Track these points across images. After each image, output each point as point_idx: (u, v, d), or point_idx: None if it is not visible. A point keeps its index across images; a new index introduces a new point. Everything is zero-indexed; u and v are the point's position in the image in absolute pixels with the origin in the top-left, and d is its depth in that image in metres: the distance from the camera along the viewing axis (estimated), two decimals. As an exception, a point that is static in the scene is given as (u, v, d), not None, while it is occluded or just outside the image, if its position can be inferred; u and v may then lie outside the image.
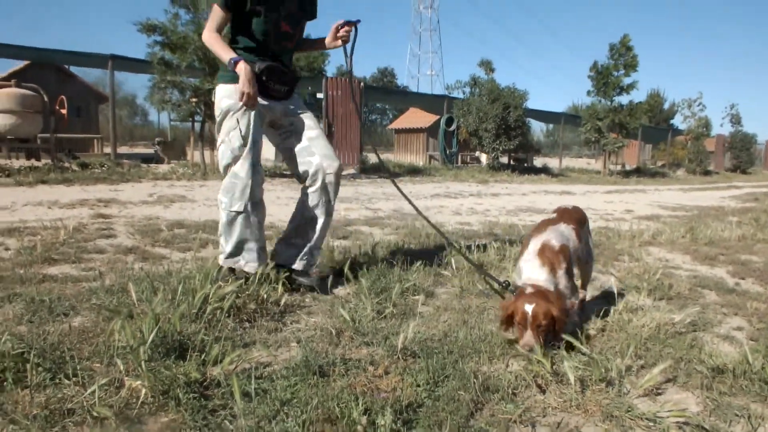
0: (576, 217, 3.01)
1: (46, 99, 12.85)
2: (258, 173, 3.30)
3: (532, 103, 23.08)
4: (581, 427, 1.93)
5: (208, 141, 14.26)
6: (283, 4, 3.29)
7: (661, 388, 2.27)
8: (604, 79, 22.34)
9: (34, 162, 12.54)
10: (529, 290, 2.53)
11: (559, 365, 2.27)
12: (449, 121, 22.35)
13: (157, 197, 8.56)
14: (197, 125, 14.41)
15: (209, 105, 13.17)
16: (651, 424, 1.94)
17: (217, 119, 3.33)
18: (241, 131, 3.22)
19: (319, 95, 17.27)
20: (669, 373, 2.37)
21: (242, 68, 3.09)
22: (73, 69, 22.73)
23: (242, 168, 3.25)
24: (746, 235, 6.49)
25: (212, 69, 12.71)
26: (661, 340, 2.73)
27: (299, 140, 3.47)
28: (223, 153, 3.29)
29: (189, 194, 9.12)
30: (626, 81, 22.25)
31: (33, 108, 12.75)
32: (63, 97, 13.66)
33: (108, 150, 16.68)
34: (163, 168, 13.29)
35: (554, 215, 3.02)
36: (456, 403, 1.99)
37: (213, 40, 3.24)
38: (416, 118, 29.53)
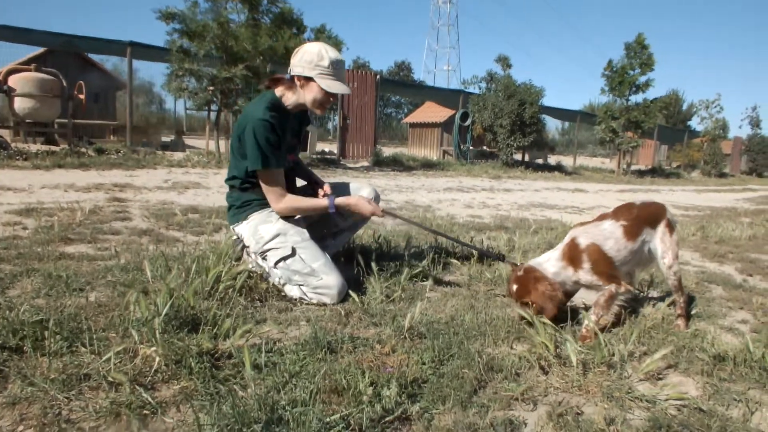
0: (636, 214, 2.93)
1: (65, 84, 12.97)
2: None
3: (548, 101, 23.01)
4: (581, 407, 1.97)
5: (224, 130, 14.35)
6: (285, 141, 3.23)
7: (662, 374, 2.31)
8: (619, 78, 22.20)
9: (51, 147, 12.67)
10: (519, 271, 2.81)
11: (562, 348, 2.32)
12: (464, 116, 22.30)
13: (171, 183, 8.66)
14: (213, 115, 14.47)
15: (225, 93, 13.25)
16: (650, 405, 1.98)
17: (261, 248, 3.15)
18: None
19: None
20: (670, 359, 2.40)
21: (352, 200, 3.19)
22: (92, 56, 22.92)
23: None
24: (757, 235, 6.48)
25: (230, 58, 12.79)
26: (664, 329, 2.77)
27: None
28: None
29: (203, 181, 9.20)
30: (642, 79, 22.11)
31: (52, 92, 12.86)
32: (81, 82, 13.78)
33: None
34: (179, 155, 13.39)
35: (609, 210, 3.03)
36: (460, 380, 2.04)
37: (293, 202, 3.15)
38: (431, 112, 29.50)
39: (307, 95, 3.11)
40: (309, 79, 3.06)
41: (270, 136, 3.01)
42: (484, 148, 23.56)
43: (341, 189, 3.50)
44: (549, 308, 2.64)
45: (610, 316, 2.75)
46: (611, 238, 2.81)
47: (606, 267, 2.76)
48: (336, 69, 3.07)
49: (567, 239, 2.86)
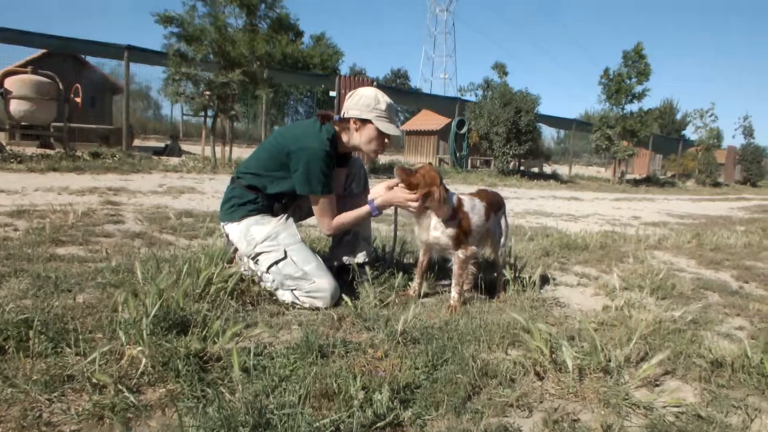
0: (490, 199, 3.45)
1: (61, 86, 12.93)
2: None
3: (544, 109, 23.02)
4: (578, 413, 1.93)
5: (219, 135, 14.29)
6: None
7: (659, 380, 2.28)
8: (615, 86, 22.24)
9: (46, 150, 12.61)
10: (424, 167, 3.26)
11: (558, 354, 2.28)
12: (460, 124, 22.24)
13: (166, 188, 8.61)
14: (209, 121, 14.40)
15: (222, 99, 13.21)
16: (647, 411, 1.95)
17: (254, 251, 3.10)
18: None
19: (332, 93, 17.31)
20: (668, 365, 2.37)
21: (388, 196, 3.23)
22: (89, 59, 22.82)
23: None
24: (752, 243, 6.47)
25: (227, 62, 12.76)
26: (661, 334, 2.73)
27: None
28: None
29: (198, 186, 9.16)
30: (638, 89, 22.16)
31: (48, 95, 12.82)
32: (78, 85, 13.75)
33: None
34: (174, 160, 13.35)
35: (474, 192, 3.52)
36: (454, 385, 2.00)
37: (342, 219, 3.20)
38: (427, 120, 29.50)
39: (362, 137, 3.18)
40: (366, 122, 3.14)
41: (328, 167, 3.07)
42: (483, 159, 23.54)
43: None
44: (436, 195, 3.08)
45: (467, 280, 3.27)
46: (477, 214, 3.26)
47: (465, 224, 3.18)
48: (390, 113, 3.18)
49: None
